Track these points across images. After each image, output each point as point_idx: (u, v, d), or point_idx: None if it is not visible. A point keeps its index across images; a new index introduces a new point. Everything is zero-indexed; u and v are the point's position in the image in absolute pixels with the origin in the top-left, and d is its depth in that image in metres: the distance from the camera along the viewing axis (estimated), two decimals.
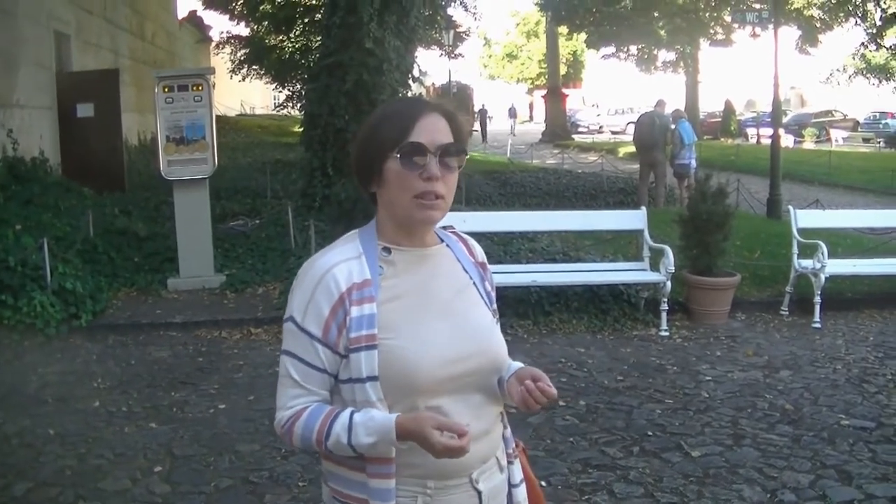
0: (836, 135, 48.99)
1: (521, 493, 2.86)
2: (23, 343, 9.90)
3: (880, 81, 51.72)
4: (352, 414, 2.48)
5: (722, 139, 51.31)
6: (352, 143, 2.68)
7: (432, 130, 2.55)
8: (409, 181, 2.52)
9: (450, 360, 2.57)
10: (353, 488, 2.58)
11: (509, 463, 2.83)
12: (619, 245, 13.43)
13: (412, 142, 2.51)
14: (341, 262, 2.56)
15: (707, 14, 45.68)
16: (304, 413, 2.54)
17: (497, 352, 2.74)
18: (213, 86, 12.59)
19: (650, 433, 7.37)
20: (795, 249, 11.58)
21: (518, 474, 2.86)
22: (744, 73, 78.14)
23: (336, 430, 2.47)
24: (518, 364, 2.77)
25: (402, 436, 2.42)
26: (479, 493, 2.67)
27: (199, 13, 43.22)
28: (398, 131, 2.53)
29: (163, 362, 9.52)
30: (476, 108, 62.51)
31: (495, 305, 2.87)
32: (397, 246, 2.64)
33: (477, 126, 59.34)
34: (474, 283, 2.79)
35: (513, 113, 71.67)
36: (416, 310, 2.60)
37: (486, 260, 2.93)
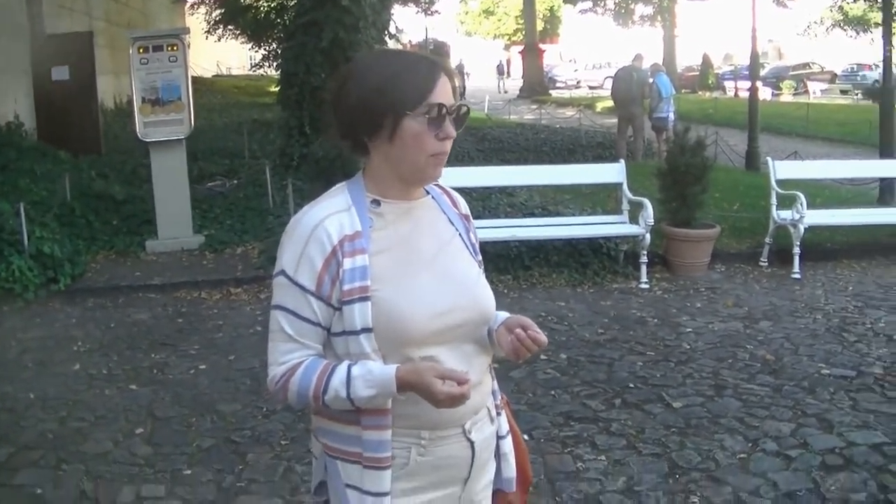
0: (814, 87, 49.07)
1: (508, 444, 2.91)
2: (1, 308, 9.86)
3: (858, 33, 51.79)
4: (349, 367, 2.48)
5: (700, 93, 51.33)
6: (342, 92, 2.60)
7: (447, 92, 2.58)
8: (427, 140, 2.55)
9: (441, 312, 2.59)
10: (346, 442, 2.59)
11: (497, 414, 2.86)
12: (597, 199, 13.47)
13: (439, 104, 2.52)
14: (332, 215, 2.54)
15: None
16: (299, 368, 2.53)
17: (486, 303, 2.77)
18: (189, 46, 12.51)
19: (631, 385, 7.40)
20: (774, 201, 11.60)
21: (505, 426, 2.90)
22: (721, 27, 78.11)
23: (334, 384, 2.47)
24: (505, 314, 2.82)
25: (402, 387, 2.44)
26: (472, 443, 2.71)
27: None
28: (420, 90, 2.52)
29: (142, 324, 9.49)
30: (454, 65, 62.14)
31: (480, 257, 2.89)
32: (385, 198, 2.63)
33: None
34: (460, 234, 2.81)
35: (501, 70, 70.31)
36: (405, 262, 2.60)
37: (469, 212, 2.94)
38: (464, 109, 2.61)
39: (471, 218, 2.93)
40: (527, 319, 2.72)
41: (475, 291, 2.75)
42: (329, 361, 2.53)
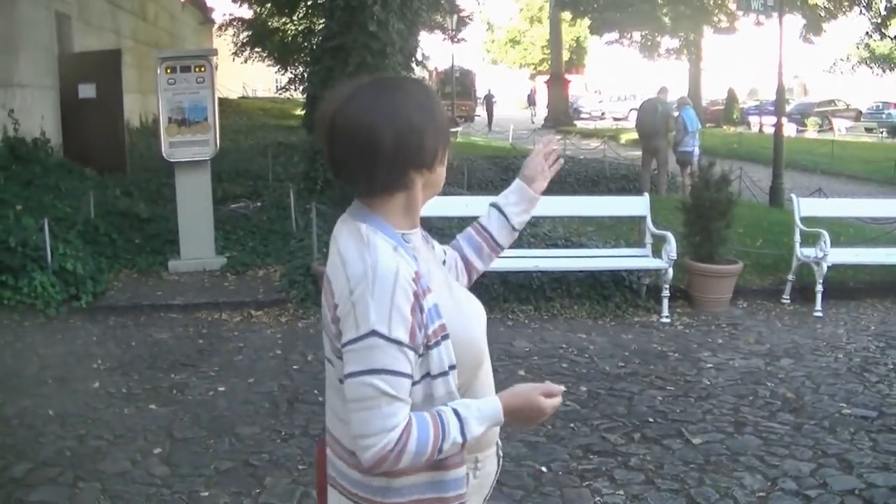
0: (839, 124, 48.95)
1: None
2: (23, 324, 9.90)
3: (884, 71, 51.71)
4: (455, 411, 2.40)
5: (724, 127, 51.26)
6: (403, 128, 2.43)
7: None
8: None
9: (483, 328, 2.64)
10: (425, 491, 2.48)
11: None
12: (621, 231, 13.44)
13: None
14: (398, 259, 2.39)
15: (711, 1, 45.60)
16: (412, 428, 2.34)
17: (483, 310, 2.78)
18: (216, 67, 12.55)
19: (651, 420, 7.37)
20: (798, 238, 11.56)
21: None
22: (747, 62, 78.05)
23: (451, 432, 2.37)
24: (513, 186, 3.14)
25: (507, 414, 2.48)
26: (500, 457, 2.77)
27: None
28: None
29: (163, 344, 9.51)
30: (481, 94, 61.83)
31: None
32: (407, 231, 2.56)
33: (478, 111, 59.09)
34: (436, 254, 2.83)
35: (532, 100, 68.77)
36: (447, 290, 2.59)
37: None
38: None
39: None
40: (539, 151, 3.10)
41: (477, 302, 2.75)
42: (430, 412, 2.40)
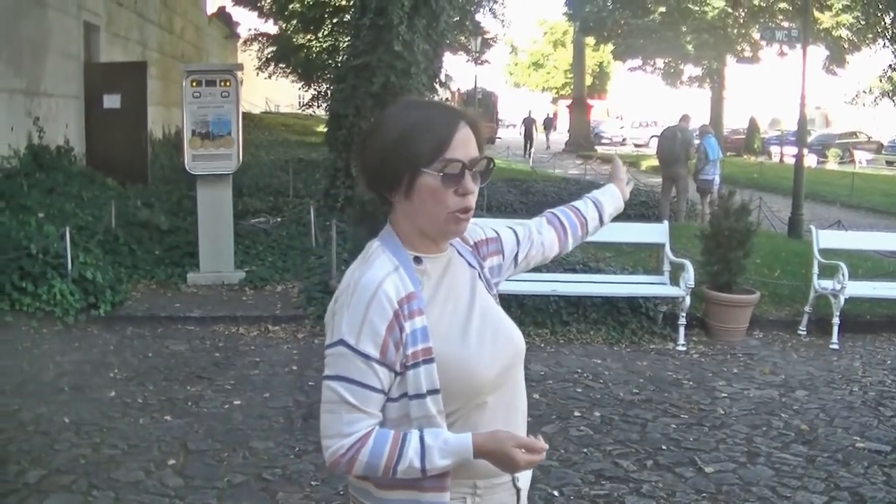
0: (860, 156, 48.79)
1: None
2: (41, 330, 9.95)
3: None
4: (421, 437, 2.42)
5: (745, 156, 51.09)
6: (366, 145, 2.57)
7: (466, 144, 2.50)
8: (446, 197, 2.47)
9: (496, 359, 2.58)
10: None
11: None
12: (639, 258, 13.42)
13: (453, 159, 2.45)
14: (387, 277, 2.45)
15: (735, 31, 45.53)
16: (368, 439, 2.42)
17: (519, 340, 2.76)
18: (241, 82, 12.60)
19: (664, 447, 7.36)
20: (816, 269, 11.55)
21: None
22: (769, 91, 77.78)
23: (408, 455, 2.40)
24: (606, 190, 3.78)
25: (479, 455, 2.43)
26: (518, 490, 2.71)
27: (227, 9, 43.39)
28: (436, 145, 2.45)
29: (179, 356, 9.55)
30: (518, 116, 60.86)
31: (495, 290, 2.85)
32: (424, 254, 2.58)
33: (500, 135, 58.83)
34: (478, 273, 2.77)
35: (549, 123, 67.42)
36: (456, 315, 2.58)
37: (480, 236, 2.90)
38: (489, 164, 2.57)
39: (481, 243, 2.88)
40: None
41: (511, 331, 2.73)
42: (397, 431, 2.45)
